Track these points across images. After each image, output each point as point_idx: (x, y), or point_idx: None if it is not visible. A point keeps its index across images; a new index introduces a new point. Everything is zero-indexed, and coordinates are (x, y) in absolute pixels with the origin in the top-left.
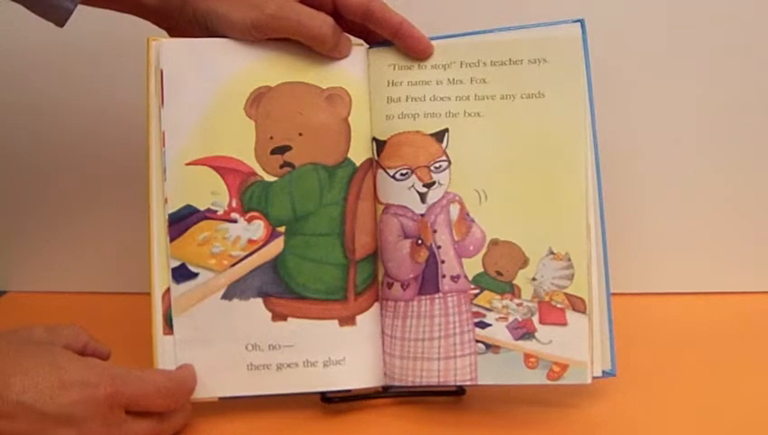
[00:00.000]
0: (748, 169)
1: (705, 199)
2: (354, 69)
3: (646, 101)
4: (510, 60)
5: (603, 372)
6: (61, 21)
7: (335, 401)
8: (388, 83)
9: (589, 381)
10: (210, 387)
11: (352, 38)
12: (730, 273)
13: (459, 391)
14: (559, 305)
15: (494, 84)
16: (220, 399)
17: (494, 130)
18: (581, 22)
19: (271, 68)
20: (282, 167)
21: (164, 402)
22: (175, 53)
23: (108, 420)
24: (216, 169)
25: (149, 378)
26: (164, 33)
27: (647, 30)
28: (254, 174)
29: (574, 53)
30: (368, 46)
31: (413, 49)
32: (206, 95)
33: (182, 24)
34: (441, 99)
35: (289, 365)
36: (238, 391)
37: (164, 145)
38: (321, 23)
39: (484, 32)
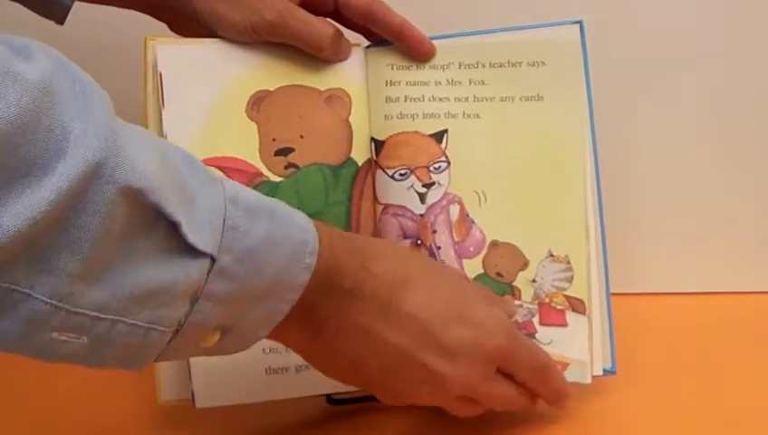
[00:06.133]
0: (748, 170)
1: (705, 199)
2: (353, 69)
3: (645, 102)
4: (509, 62)
5: (604, 370)
6: (60, 18)
7: (341, 403)
8: (387, 83)
9: (589, 380)
10: (229, 393)
11: (351, 37)
12: (730, 273)
13: None
14: (559, 307)
15: (493, 86)
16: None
17: (494, 132)
18: (580, 23)
19: (270, 72)
20: (286, 168)
21: (535, 377)
22: (173, 55)
23: (483, 371)
24: (223, 169)
25: (537, 350)
26: (161, 30)
27: (646, 30)
28: (260, 174)
29: (573, 55)
30: (366, 45)
31: (415, 50)
32: (207, 97)
33: (181, 21)
34: (440, 99)
35: (307, 367)
36: (258, 398)
37: None
38: (321, 31)
39: (484, 32)
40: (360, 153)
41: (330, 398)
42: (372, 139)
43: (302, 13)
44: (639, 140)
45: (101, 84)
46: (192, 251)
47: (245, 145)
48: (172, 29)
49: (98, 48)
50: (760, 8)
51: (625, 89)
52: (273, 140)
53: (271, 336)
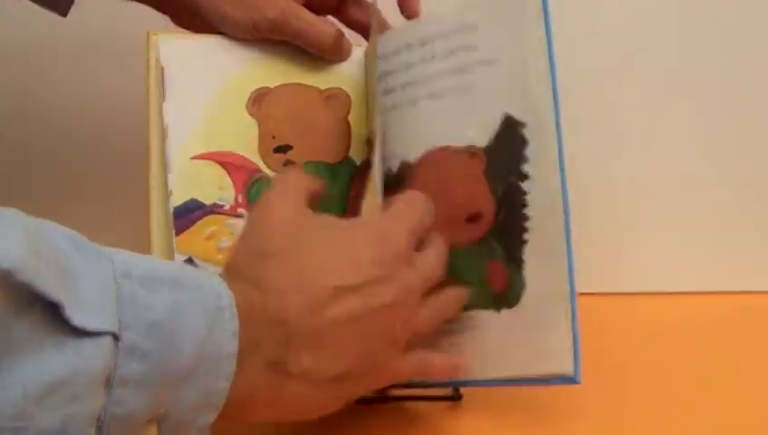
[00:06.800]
0: (746, 168)
1: (704, 199)
2: (352, 69)
3: (644, 97)
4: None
5: None
6: (63, 10)
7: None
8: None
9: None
10: None
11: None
12: (730, 272)
13: (456, 397)
14: None
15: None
16: None
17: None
18: None
19: (271, 69)
20: (285, 165)
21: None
22: (176, 50)
23: (400, 267)
24: (223, 164)
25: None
26: (166, 24)
27: (648, 31)
28: (259, 170)
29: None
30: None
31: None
32: (209, 92)
33: (184, 15)
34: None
35: None
36: None
37: (166, 139)
38: (323, 31)
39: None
40: (358, 152)
41: None
42: (368, 140)
43: (305, 12)
44: (637, 137)
45: (104, 80)
46: (83, 333)
47: (245, 141)
48: (175, 22)
49: (101, 42)
50: (762, 8)
51: (623, 84)
52: (273, 137)
53: (228, 417)
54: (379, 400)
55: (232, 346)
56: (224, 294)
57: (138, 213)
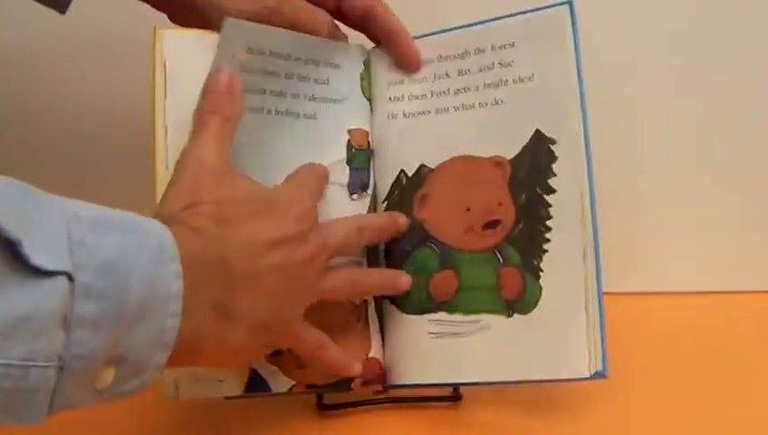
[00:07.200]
0: (748, 169)
1: (705, 198)
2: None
3: (646, 100)
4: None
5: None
6: (62, 8)
7: (331, 408)
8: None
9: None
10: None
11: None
12: (730, 272)
13: (456, 397)
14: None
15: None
16: (226, 398)
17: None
18: (570, 3)
19: None
20: None
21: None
22: (180, 45)
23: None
24: None
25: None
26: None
27: (650, 32)
28: None
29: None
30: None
31: (401, 57)
32: None
33: (181, 12)
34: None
35: None
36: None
37: (168, 136)
38: (320, 21)
39: (475, 23)
40: None
41: (320, 403)
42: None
43: (303, 2)
44: (638, 138)
45: (107, 76)
46: (41, 272)
47: None
48: (174, 21)
49: (101, 40)
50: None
51: (626, 88)
52: None
53: (180, 359)
54: (380, 400)
55: (177, 286)
56: (166, 237)
57: (139, 212)
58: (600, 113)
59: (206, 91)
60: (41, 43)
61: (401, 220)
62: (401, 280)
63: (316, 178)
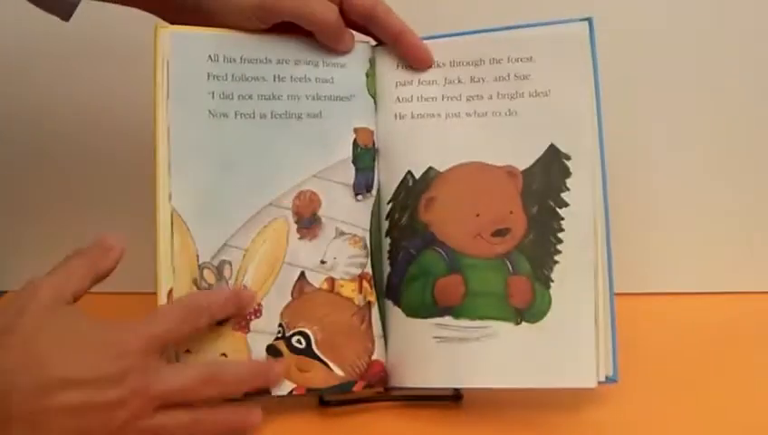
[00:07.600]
0: (750, 170)
1: (706, 199)
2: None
3: (653, 102)
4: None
5: (606, 377)
6: (66, 15)
7: (333, 405)
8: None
9: None
10: None
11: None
12: (731, 272)
13: (457, 396)
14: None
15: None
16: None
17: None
18: (590, 20)
19: None
20: None
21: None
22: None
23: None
24: None
25: None
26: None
27: (655, 34)
28: None
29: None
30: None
31: (411, 57)
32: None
33: (184, 13)
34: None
35: None
36: None
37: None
38: (327, 8)
39: (489, 30)
40: None
41: (322, 400)
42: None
43: None
44: (642, 141)
45: (107, 77)
46: None
47: None
48: (174, 24)
49: (101, 43)
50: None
51: (634, 91)
52: None
53: None
54: (381, 398)
55: None
56: None
57: (140, 213)
58: (612, 126)
59: (93, 243)
60: (41, 44)
61: (273, 374)
62: (251, 417)
63: (170, 320)
